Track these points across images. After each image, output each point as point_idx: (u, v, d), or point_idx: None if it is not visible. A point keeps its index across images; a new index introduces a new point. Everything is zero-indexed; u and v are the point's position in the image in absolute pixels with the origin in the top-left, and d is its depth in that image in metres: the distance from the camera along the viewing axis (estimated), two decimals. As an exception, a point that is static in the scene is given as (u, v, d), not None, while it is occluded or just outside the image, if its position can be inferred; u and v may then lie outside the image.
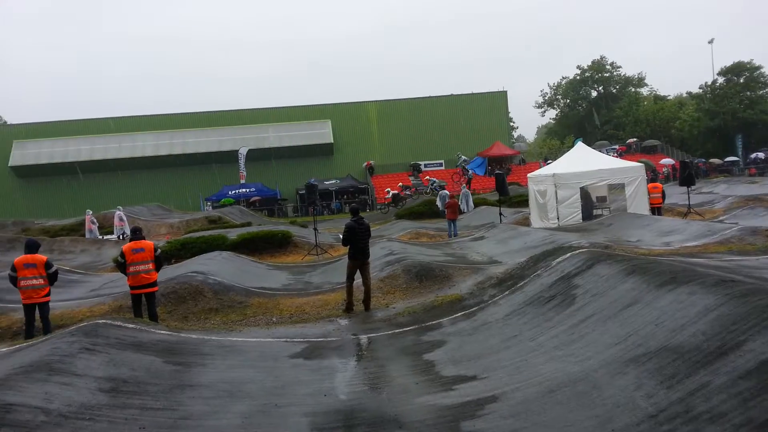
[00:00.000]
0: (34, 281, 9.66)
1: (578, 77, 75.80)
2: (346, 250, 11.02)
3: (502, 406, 5.14)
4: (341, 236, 11.52)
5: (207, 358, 7.42)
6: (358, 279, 10.65)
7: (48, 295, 9.91)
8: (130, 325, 8.16)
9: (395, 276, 12.11)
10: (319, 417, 5.46)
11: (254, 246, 19.08)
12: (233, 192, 47.48)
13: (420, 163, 53.76)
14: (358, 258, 10.56)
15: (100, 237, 27.52)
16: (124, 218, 27.55)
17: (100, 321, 8.07)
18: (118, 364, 6.58)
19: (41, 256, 10.01)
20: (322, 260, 17.49)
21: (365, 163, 54.70)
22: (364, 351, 7.72)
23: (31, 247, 10.08)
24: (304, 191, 38.55)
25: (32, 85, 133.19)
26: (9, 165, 50.37)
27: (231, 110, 56.05)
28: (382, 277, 12.30)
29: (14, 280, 9.68)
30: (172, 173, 52.27)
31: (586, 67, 75.19)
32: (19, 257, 9.88)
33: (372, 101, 58.15)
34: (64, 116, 67.50)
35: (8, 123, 64.87)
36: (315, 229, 19.56)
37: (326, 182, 49.55)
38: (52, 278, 9.89)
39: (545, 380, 5.49)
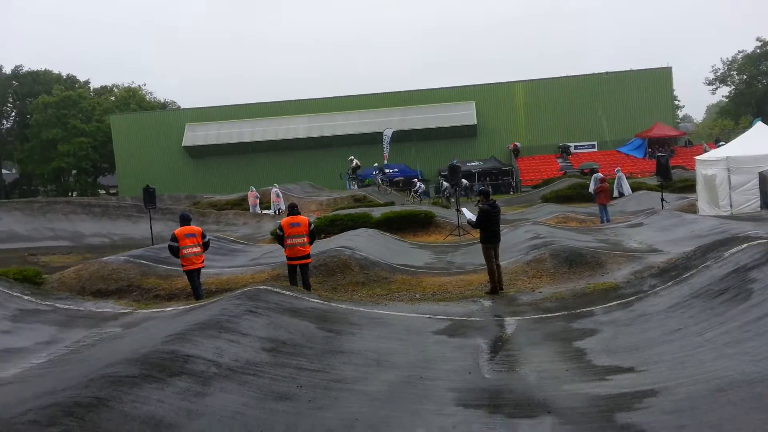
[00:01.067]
0: (195, 249, 10.47)
1: (758, 50, 66.96)
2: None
3: (663, 401, 4.75)
4: (468, 219, 11.30)
5: (355, 328, 7.74)
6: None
7: (203, 261, 10.82)
8: (288, 293, 8.75)
9: (541, 260, 11.69)
10: (463, 393, 5.45)
11: (397, 225, 19.47)
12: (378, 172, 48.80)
13: (569, 144, 51.18)
14: (493, 242, 10.38)
15: (260, 212, 29.81)
16: (280, 195, 29.57)
17: (262, 287, 8.75)
18: (277, 327, 7.09)
19: (197, 228, 11.01)
20: (464, 241, 17.40)
21: (510, 145, 53.24)
22: (510, 333, 7.55)
23: (187, 220, 11.03)
24: (446, 172, 38.59)
25: (204, 72, 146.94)
26: (182, 145, 56.19)
27: (377, 93, 57.43)
28: (527, 261, 11.94)
29: (176, 250, 10.42)
30: (323, 153, 54.93)
31: (768, 40, 66.21)
32: (179, 229, 10.66)
33: (519, 81, 56.25)
34: (230, 101, 73.72)
35: (182, 108, 72.16)
36: (458, 209, 19.48)
37: (469, 164, 49.05)
38: (206, 246, 10.80)
39: (714, 378, 4.98)
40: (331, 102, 57.01)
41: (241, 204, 31.79)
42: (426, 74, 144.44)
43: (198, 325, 6.72)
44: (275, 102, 58.36)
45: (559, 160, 49.79)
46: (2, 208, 27.06)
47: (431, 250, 16.18)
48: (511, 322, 8.06)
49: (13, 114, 68.52)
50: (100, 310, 9.49)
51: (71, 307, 9.62)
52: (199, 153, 56.63)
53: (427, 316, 8.50)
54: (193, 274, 10.54)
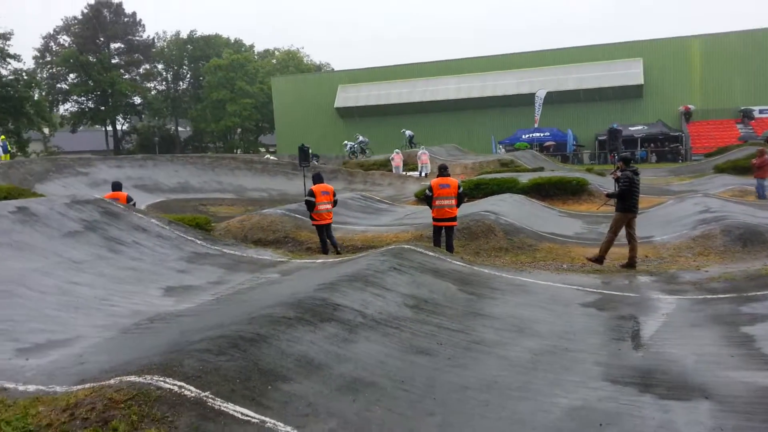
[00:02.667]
0: (327, 206, 11.34)
1: None
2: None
3: None
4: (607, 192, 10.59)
5: (497, 293, 7.65)
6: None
7: (331, 218, 11.65)
8: (431, 253, 8.86)
9: (710, 236, 10.61)
10: (612, 369, 5.18)
11: (545, 191, 18.73)
12: (527, 136, 47.05)
13: (752, 108, 45.23)
14: (632, 211, 9.59)
15: (404, 173, 30.33)
16: (425, 157, 29.79)
17: (406, 246, 8.94)
18: (419, 285, 7.24)
19: (331, 186, 11.91)
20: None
21: (681, 108, 48.11)
22: (667, 312, 7.00)
23: (320, 178, 11.91)
24: (604, 137, 36.09)
25: (358, 34, 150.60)
26: (334, 106, 58.55)
27: (531, 51, 54.83)
28: (693, 237, 10.93)
29: (312, 205, 11.23)
30: (470, 115, 54.16)
31: None
32: (316, 186, 11.51)
33: (695, 36, 50.35)
34: (382, 63, 75.12)
35: (335, 69, 74.84)
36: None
37: (631, 128, 45.35)
38: (335, 204, 11.69)
39: None
40: (482, 62, 55.55)
41: (387, 165, 32.56)
42: (587, 29, 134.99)
43: (346, 276, 7.06)
44: (425, 63, 58.28)
45: (739, 126, 44.36)
46: (179, 162, 30.32)
47: (582, 220, 15.40)
48: (670, 301, 7.46)
49: (188, 76, 75.75)
50: (260, 257, 10.34)
51: (236, 252, 10.58)
52: (349, 114, 58.66)
53: (575, 287, 8.15)
54: (323, 229, 11.38)
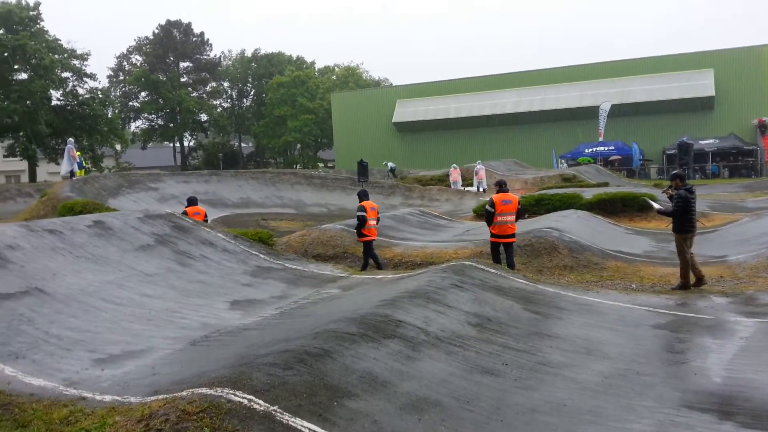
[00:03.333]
0: (374, 222, 11.68)
1: None
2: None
3: None
4: (658, 209, 10.13)
5: (563, 313, 7.44)
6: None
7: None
8: (493, 270, 8.73)
9: (792, 256, 9.98)
10: (687, 394, 4.93)
11: (611, 207, 18.16)
12: (590, 150, 45.76)
13: (832, 120, 42.58)
14: (690, 231, 9.14)
15: (462, 188, 30.13)
16: (482, 172, 29.51)
17: (467, 262, 8.85)
18: (482, 303, 7.13)
19: (376, 204, 12.04)
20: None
21: (755, 120, 45.72)
22: (746, 335, 6.61)
23: (367, 195, 12.14)
24: (673, 151, 34.72)
25: (416, 48, 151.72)
26: (392, 121, 58.93)
27: (595, 63, 53.52)
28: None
29: (364, 221, 11.43)
30: (530, 129, 53.34)
31: None
32: (365, 202, 11.69)
33: (768, 45, 47.96)
34: (441, 77, 75.29)
35: (393, 84, 75.49)
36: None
37: (702, 141, 43.41)
38: (378, 221, 11.93)
39: None
40: (544, 74, 54.65)
41: (444, 180, 32.44)
42: (654, 42, 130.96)
43: (407, 293, 7.04)
44: (484, 76, 57.96)
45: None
46: (242, 177, 31.23)
47: (651, 237, 14.81)
48: (748, 323, 7.04)
49: (252, 93, 78.17)
50: (321, 272, 10.46)
51: (297, 267, 10.75)
52: (407, 128, 58.92)
53: (646, 308, 7.82)
54: (371, 244, 11.66)
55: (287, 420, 3.85)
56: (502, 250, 10.47)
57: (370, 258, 11.59)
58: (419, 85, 60.90)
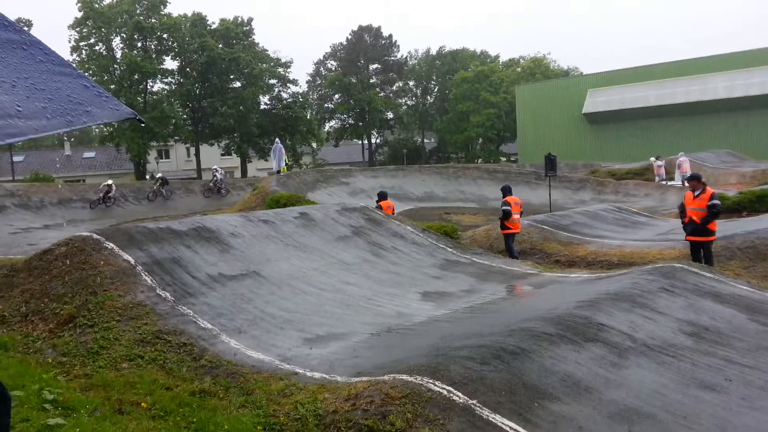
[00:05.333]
0: (518, 216, 12.31)
1: None
2: None
3: None
4: None
5: (801, 327, 6.36)
6: None
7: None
8: (708, 274, 7.79)
9: None
10: None
11: None
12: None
13: None
14: None
15: (665, 182, 27.47)
16: (686, 164, 26.58)
17: (677, 265, 8.00)
18: (697, 311, 6.38)
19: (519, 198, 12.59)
20: None
21: None
22: None
23: (510, 190, 12.74)
24: None
25: (607, 35, 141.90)
26: (583, 112, 55.65)
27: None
28: None
29: (509, 214, 12.02)
30: (748, 116, 46.75)
31: None
32: (510, 197, 12.33)
33: None
34: (634, 63, 69.25)
35: (583, 73, 71.33)
36: None
37: None
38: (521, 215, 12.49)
39: None
40: (764, 53, 47.54)
41: (643, 174, 29.82)
42: None
43: (608, 295, 6.57)
44: (686, 60, 52.08)
45: None
46: (425, 172, 31.91)
47: None
48: None
49: (436, 90, 79.55)
50: (509, 267, 10.24)
51: (485, 262, 10.65)
52: (599, 119, 55.33)
53: None
54: (514, 237, 12.31)
55: (486, 415, 3.80)
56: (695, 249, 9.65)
57: (511, 248, 12.09)
58: (612, 73, 56.76)
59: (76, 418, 3.95)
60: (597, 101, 55.29)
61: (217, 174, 31.75)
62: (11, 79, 1.08)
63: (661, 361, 5.04)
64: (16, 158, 48.09)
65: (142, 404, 4.36)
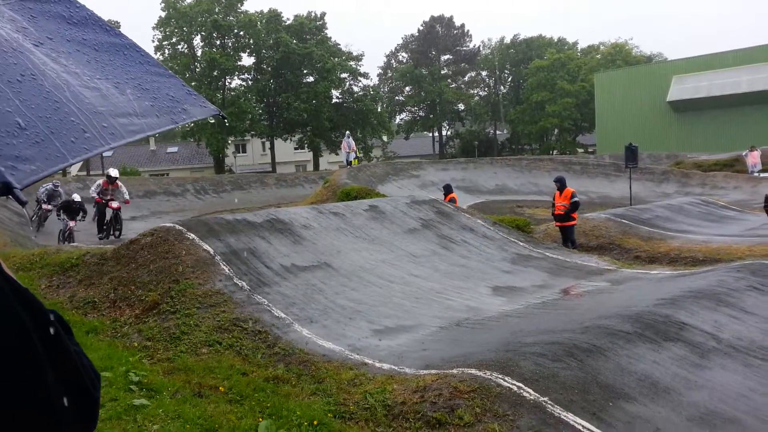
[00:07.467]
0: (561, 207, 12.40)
1: None
2: None
3: None
4: None
5: None
6: None
7: None
8: (804, 272, 7.24)
9: None
10: None
11: None
12: None
13: None
14: None
15: (757, 174, 25.71)
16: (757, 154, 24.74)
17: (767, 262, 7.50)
18: (792, 311, 5.96)
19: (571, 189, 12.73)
20: None
21: None
22: None
23: (563, 181, 13.01)
24: None
25: (693, 17, 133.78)
26: (667, 100, 52.81)
27: None
28: None
29: (578, 205, 12.35)
30: None
31: None
32: (571, 189, 12.61)
33: None
34: (724, 47, 64.93)
35: (668, 59, 67.70)
36: None
37: None
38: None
39: None
40: None
41: (732, 165, 28.00)
42: None
43: (691, 293, 6.25)
44: (784, 42, 48.35)
45: None
46: (497, 165, 31.36)
47: None
48: None
49: (509, 80, 77.88)
50: (585, 263, 9.92)
51: (558, 257, 10.37)
52: (685, 107, 52.40)
53: None
54: (574, 229, 12.42)
55: (558, 413, 3.71)
56: None
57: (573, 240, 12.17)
58: (700, 58, 53.53)
59: (158, 400, 4.20)
60: (683, 88, 52.35)
61: (57, 189, 16.49)
62: (123, 80, 1.16)
63: (749, 363, 4.75)
64: (105, 153, 51.27)
65: (220, 388, 4.56)
